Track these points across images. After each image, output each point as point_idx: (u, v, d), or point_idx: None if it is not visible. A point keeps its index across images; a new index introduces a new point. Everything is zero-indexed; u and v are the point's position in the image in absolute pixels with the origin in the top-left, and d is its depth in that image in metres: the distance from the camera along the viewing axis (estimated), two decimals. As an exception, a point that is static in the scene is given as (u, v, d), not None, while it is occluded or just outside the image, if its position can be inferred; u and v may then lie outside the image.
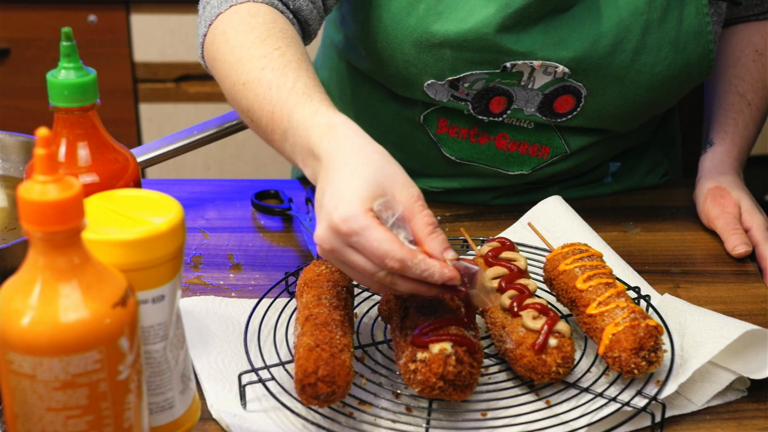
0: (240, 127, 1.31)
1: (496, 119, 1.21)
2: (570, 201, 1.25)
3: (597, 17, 1.14)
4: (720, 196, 1.23)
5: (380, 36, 1.17)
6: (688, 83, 1.21)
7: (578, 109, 1.20)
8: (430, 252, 0.86)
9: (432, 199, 1.31)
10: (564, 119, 1.21)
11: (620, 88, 1.17)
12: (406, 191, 0.88)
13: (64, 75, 0.91)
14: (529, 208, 1.23)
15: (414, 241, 0.86)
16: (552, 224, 1.19)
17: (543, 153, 1.24)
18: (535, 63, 1.15)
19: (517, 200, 1.30)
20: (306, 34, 1.14)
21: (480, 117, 1.21)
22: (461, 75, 1.16)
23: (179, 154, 1.28)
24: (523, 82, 1.17)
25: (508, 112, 1.20)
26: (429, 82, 1.17)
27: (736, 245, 1.18)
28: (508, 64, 1.15)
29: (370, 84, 1.27)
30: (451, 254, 0.86)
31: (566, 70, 1.15)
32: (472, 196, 1.30)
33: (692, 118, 1.61)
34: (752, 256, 1.19)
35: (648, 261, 1.18)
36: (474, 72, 1.16)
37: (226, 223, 1.26)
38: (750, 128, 1.30)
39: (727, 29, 1.35)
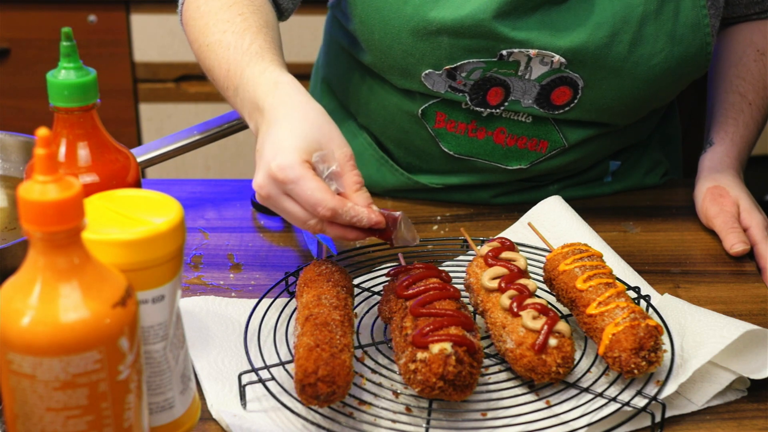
0: (240, 127, 1.31)
1: (494, 111, 1.21)
2: (570, 201, 1.25)
3: (594, 8, 1.15)
4: (719, 195, 1.23)
5: (378, 26, 1.18)
6: (685, 76, 1.21)
7: (575, 101, 1.20)
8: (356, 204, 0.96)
9: (432, 198, 1.31)
10: (561, 111, 1.21)
11: (617, 80, 1.18)
12: (340, 150, 0.97)
13: (64, 75, 0.91)
14: (529, 207, 1.23)
15: (342, 195, 0.96)
16: (552, 224, 1.19)
17: (541, 147, 1.24)
18: (532, 52, 1.15)
19: (518, 198, 1.30)
20: (279, 11, 1.24)
21: (478, 109, 1.21)
22: (458, 63, 1.16)
23: (179, 154, 1.28)
24: (520, 72, 1.17)
25: (506, 103, 1.20)
26: (427, 71, 1.18)
27: (734, 243, 1.18)
28: (504, 53, 1.15)
29: (372, 79, 1.27)
30: (374, 207, 0.97)
31: (563, 60, 1.15)
32: (472, 194, 1.30)
33: (692, 118, 1.61)
34: (752, 256, 1.19)
35: (648, 261, 1.18)
36: (471, 60, 1.16)
37: (226, 223, 1.26)
38: (751, 128, 1.30)
39: (729, 29, 1.35)
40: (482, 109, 1.21)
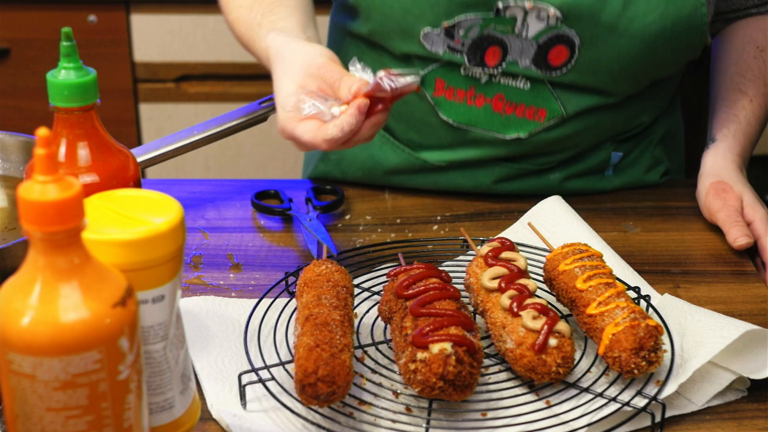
0: (240, 127, 1.31)
1: (492, 74, 1.22)
2: (572, 198, 1.25)
3: None
4: (722, 190, 1.23)
5: None
6: (681, 40, 1.22)
7: (572, 62, 1.21)
8: (348, 93, 1.02)
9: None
10: (559, 73, 1.22)
11: (613, 38, 1.19)
12: (330, 66, 1.06)
13: (64, 75, 0.91)
14: (530, 198, 1.24)
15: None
16: (552, 224, 1.19)
17: (540, 116, 1.25)
18: (527, 4, 1.17)
19: (518, 186, 1.31)
20: None
21: (476, 71, 1.22)
22: (456, 20, 1.18)
23: (179, 154, 1.28)
24: (517, 30, 1.19)
25: (503, 64, 1.21)
26: (426, 31, 1.20)
27: (738, 237, 1.18)
28: (500, 5, 1.17)
29: (372, 53, 1.29)
30: (361, 88, 1.02)
31: (558, 14, 1.17)
32: (473, 177, 1.31)
33: (693, 118, 1.61)
34: (752, 254, 1.19)
35: (648, 261, 1.18)
36: (468, 16, 1.18)
37: (226, 223, 1.26)
38: (752, 124, 1.31)
39: (729, 27, 1.35)
40: (480, 71, 1.22)
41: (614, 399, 0.91)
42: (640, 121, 1.35)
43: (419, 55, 1.23)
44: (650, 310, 1.02)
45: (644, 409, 0.89)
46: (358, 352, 0.98)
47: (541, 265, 1.10)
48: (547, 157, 1.31)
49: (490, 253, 1.02)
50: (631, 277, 1.11)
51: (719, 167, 1.27)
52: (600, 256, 1.02)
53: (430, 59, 1.23)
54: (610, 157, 1.34)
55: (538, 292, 1.06)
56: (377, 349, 0.99)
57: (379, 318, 1.01)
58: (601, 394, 0.91)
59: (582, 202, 1.30)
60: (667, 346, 0.95)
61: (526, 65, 1.21)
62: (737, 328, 0.95)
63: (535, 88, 1.23)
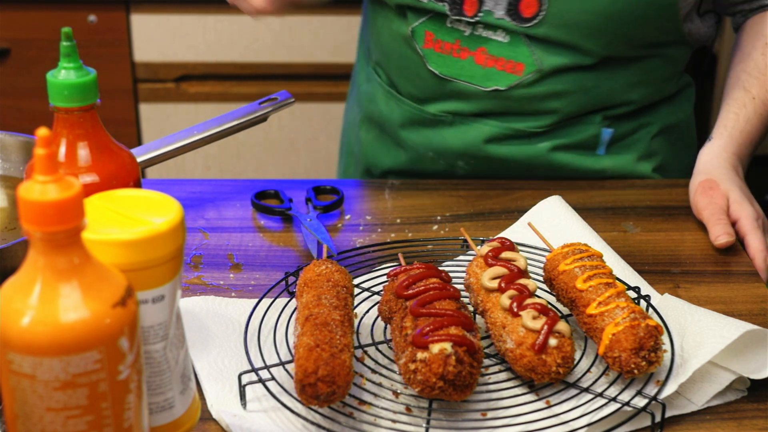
0: (240, 127, 1.31)
1: (472, 24, 1.30)
2: (565, 189, 1.25)
3: None
4: (709, 188, 1.24)
5: None
6: (649, 5, 1.25)
7: (542, 12, 1.26)
8: None
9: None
10: (531, 25, 1.27)
11: None
12: None
13: (64, 75, 0.91)
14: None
15: None
16: (552, 224, 1.19)
17: (518, 70, 1.31)
18: None
19: (507, 150, 1.36)
20: None
21: (458, 21, 1.29)
22: None
23: (179, 154, 1.27)
24: None
25: (480, 14, 1.29)
26: None
27: (718, 235, 1.19)
28: None
29: (378, 12, 1.40)
30: None
31: None
32: (463, 136, 1.37)
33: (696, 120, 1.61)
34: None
35: (648, 261, 1.18)
36: None
37: (226, 223, 1.26)
38: (753, 122, 1.30)
39: (746, 21, 1.36)
40: (461, 20, 1.29)
41: (614, 399, 0.91)
42: (629, 98, 1.36)
43: (410, 5, 1.32)
44: (650, 310, 1.02)
45: (644, 409, 0.89)
46: (358, 352, 0.98)
47: (541, 265, 1.10)
48: (532, 119, 1.35)
49: (490, 253, 1.02)
50: (631, 277, 1.11)
51: (711, 165, 1.27)
52: (600, 256, 1.02)
53: (421, 10, 1.32)
54: (600, 133, 1.36)
55: (538, 292, 1.06)
56: (377, 349, 0.99)
57: (379, 318, 1.01)
58: (601, 394, 0.91)
59: (582, 202, 1.30)
60: (667, 346, 0.95)
61: (501, 15, 1.27)
62: (737, 328, 0.95)
63: (514, 41, 1.30)
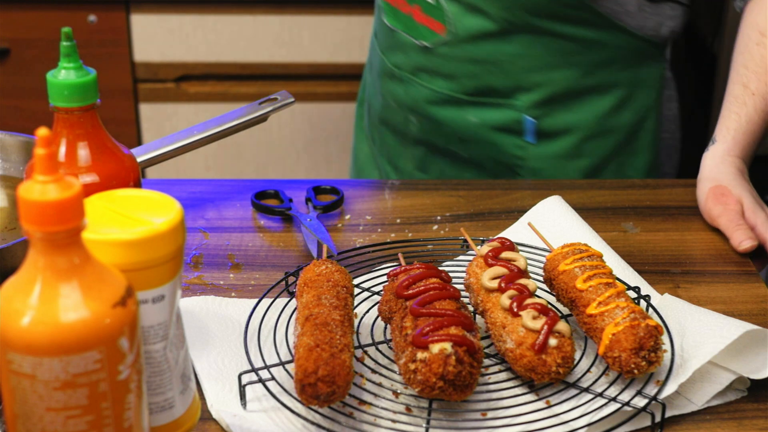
0: (240, 127, 1.31)
1: None
2: (567, 195, 1.25)
3: None
4: (721, 195, 1.23)
5: None
6: None
7: None
8: None
9: (433, 195, 1.31)
10: None
11: None
12: None
13: (64, 75, 0.91)
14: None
15: None
16: (552, 224, 1.19)
17: (440, 30, 1.41)
18: None
19: (446, 113, 1.46)
20: None
21: None
22: None
23: (179, 154, 1.27)
24: None
25: None
26: None
27: (742, 240, 1.18)
28: None
29: None
30: None
31: None
32: (411, 95, 1.49)
33: (690, 120, 1.61)
34: (753, 255, 1.19)
35: (648, 261, 1.18)
36: None
37: (226, 223, 1.26)
38: (754, 121, 1.28)
39: (747, 5, 1.33)
40: None
41: (614, 399, 0.91)
42: (544, 79, 1.39)
43: None
44: (650, 310, 1.02)
45: (644, 409, 0.89)
46: (358, 352, 0.98)
47: (541, 265, 1.10)
48: (455, 82, 1.44)
49: (490, 253, 1.02)
50: (631, 277, 1.11)
51: (718, 171, 1.26)
52: (600, 256, 1.02)
53: None
54: (521, 119, 1.40)
55: (538, 292, 1.06)
56: (377, 349, 0.99)
57: (379, 318, 1.01)
58: (601, 394, 0.91)
59: (582, 202, 1.30)
60: (667, 346, 0.95)
61: None
62: (737, 328, 0.95)
63: (438, 3, 1.39)
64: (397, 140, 1.56)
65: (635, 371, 0.91)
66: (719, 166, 1.27)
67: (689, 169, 1.49)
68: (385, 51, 1.52)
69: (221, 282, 1.13)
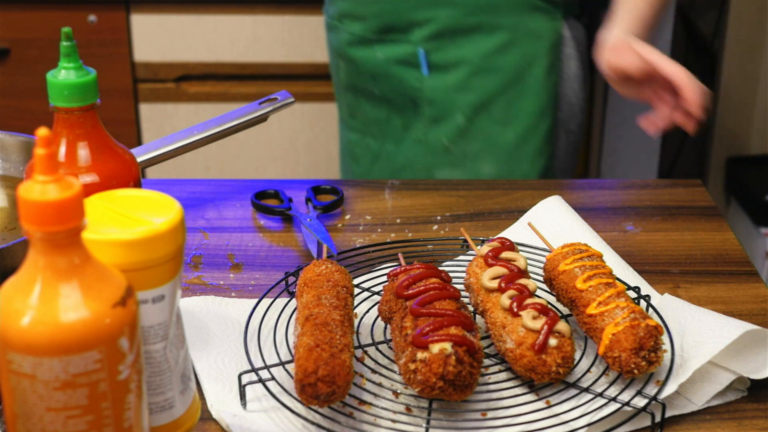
0: (240, 127, 1.31)
1: None
2: (567, 195, 1.25)
3: None
4: (615, 51, 1.27)
5: None
6: None
7: None
8: None
9: (433, 195, 1.31)
10: None
11: None
12: None
13: (64, 75, 0.91)
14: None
15: None
16: (552, 224, 1.20)
17: None
18: None
19: (358, 54, 1.62)
20: None
21: None
22: None
23: (179, 154, 1.28)
24: None
25: None
26: None
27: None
28: None
29: None
30: None
31: None
32: (338, 39, 1.64)
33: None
34: (752, 254, 1.19)
35: (648, 261, 1.18)
36: None
37: (226, 223, 1.26)
38: (640, 7, 1.33)
39: None
40: None
41: (614, 399, 0.91)
42: (431, 15, 1.53)
43: None
44: (650, 310, 1.02)
45: (644, 409, 0.89)
46: (358, 352, 0.98)
47: (541, 265, 1.10)
48: (367, 22, 1.58)
49: (490, 253, 1.02)
50: (631, 277, 1.11)
51: (617, 39, 1.29)
52: (600, 256, 1.02)
53: None
54: (417, 53, 1.56)
55: (538, 292, 1.06)
56: (377, 349, 0.99)
57: (379, 318, 1.01)
58: (601, 394, 0.91)
59: (582, 202, 1.30)
60: (667, 346, 0.95)
61: None
62: (737, 328, 0.95)
63: None
64: (339, 93, 1.74)
65: (635, 371, 0.91)
66: (618, 37, 1.30)
67: (689, 169, 1.49)
68: (328, 4, 1.67)
69: (221, 282, 1.13)
